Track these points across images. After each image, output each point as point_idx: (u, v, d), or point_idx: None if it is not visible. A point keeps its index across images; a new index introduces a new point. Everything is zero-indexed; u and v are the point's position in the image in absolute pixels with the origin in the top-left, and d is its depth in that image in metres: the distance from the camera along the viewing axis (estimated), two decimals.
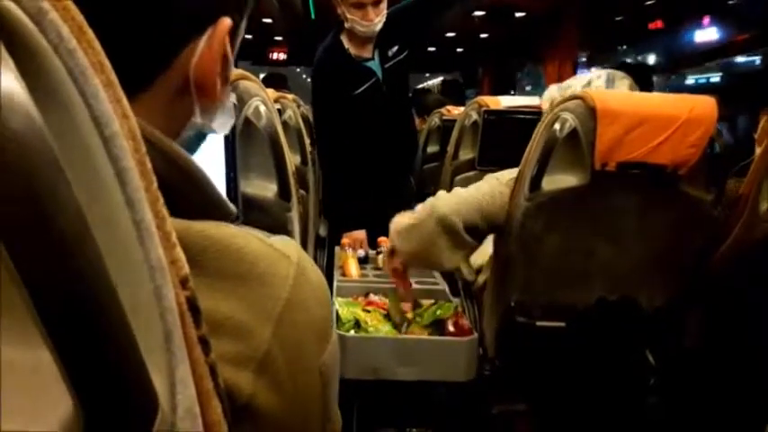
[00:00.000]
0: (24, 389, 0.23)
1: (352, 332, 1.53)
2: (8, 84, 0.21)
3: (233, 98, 1.05)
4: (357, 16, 2.23)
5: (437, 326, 1.58)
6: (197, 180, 0.46)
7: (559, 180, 1.55)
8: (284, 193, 1.23)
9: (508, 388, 1.82)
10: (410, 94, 2.88)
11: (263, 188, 1.23)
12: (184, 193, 0.44)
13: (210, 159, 1.05)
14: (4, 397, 0.22)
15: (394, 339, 1.51)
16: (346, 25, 2.30)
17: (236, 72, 1.10)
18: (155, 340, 0.30)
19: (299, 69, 8.84)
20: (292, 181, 1.26)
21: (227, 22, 0.49)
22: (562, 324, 1.63)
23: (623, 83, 1.71)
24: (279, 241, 0.50)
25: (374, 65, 2.38)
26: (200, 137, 0.56)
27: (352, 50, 2.36)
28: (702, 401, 1.65)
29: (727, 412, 1.62)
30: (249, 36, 5.46)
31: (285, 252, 0.48)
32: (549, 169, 1.54)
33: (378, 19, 2.23)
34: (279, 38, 5.96)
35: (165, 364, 0.30)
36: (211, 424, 0.34)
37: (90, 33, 0.29)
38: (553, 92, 1.86)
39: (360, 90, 2.32)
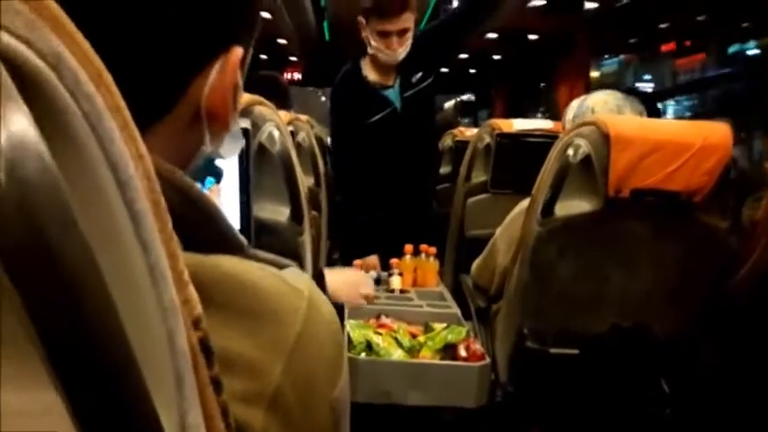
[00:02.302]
0: None
1: (363, 355, 1.51)
2: (21, 128, 0.21)
3: (246, 123, 1.06)
4: (381, 44, 2.17)
5: (449, 350, 1.56)
6: (208, 213, 0.46)
7: (572, 206, 1.55)
8: (297, 216, 1.24)
9: (520, 415, 1.80)
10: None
11: (275, 212, 1.23)
12: (196, 226, 0.44)
13: (224, 184, 1.06)
14: None
15: (405, 363, 1.49)
16: (369, 51, 2.25)
17: (250, 97, 1.11)
18: (166, 384, 0.29)
19: (320, 93, 8.89)
20: (305, 205, 1.27)
21: (238, 51, 0.49)
22: (575, 351, 1.61)
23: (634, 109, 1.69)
24: (290, 274, 0.50)
25: (393, 93, 2.31)
26: (208, 165, 0.56)
27: (372, 77, 2.30)
28: None
29: None
30: (264, 56, 5.51)
31: (297, 286, 0.48)
32: (562, 195, 1.54)
33: (401, 49, 2.18)
34: (293, 58, 6.02)
35: (175, 408, 0.30)
36: None
37: (108, 77, 0.29)
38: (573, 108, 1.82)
39: (375, 119, 2.27)
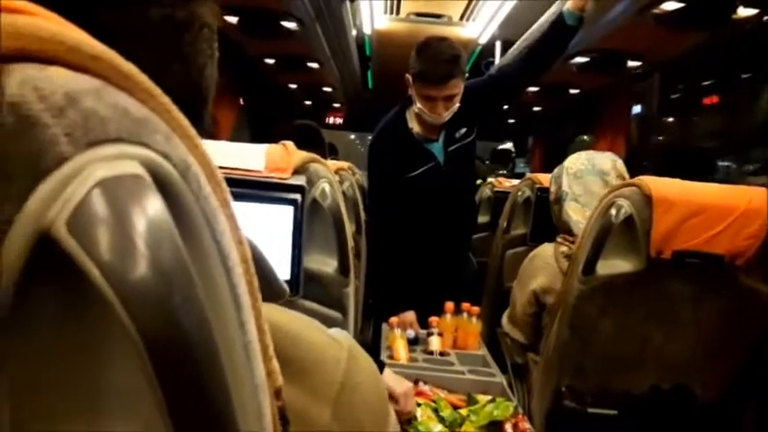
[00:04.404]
0: None
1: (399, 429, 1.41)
2: (160, 218, 0.26)
3: (302, 180, 1.11)
4: (426, 107, 2.10)
5: (493, 427, 1.42)
6: (256, 259, 0.51)
7: (614, 265, 1.55)
8: (343, 269, 1.27)
9: None
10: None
11: (323, 263, 1.27)
12: None
13: (277, 234, 1.10)
14: None
15: None
16: (414, 108, 2.18)
17: (306, 155, 1.16)
18: None
19: (353, 136, 9.15)
20: (351, 257, 1.30)
21: None
22: (614, 412, 1.59)
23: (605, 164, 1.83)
24: (333, 330, 0.54)
25: (436, 147, 2.24)
26: None
27: (416, 129, 2.23)
28: None
29: None
30: (309, 102, 5.68)
31: (337, 337, 0.53)
32: (604, 253, 1.55)
33: (447, 113, 2.10)
34: (337, 104, 6.18)
35: None
36: None
37: (219, 175, 0.34)
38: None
39: (417, 172, 2.22)
